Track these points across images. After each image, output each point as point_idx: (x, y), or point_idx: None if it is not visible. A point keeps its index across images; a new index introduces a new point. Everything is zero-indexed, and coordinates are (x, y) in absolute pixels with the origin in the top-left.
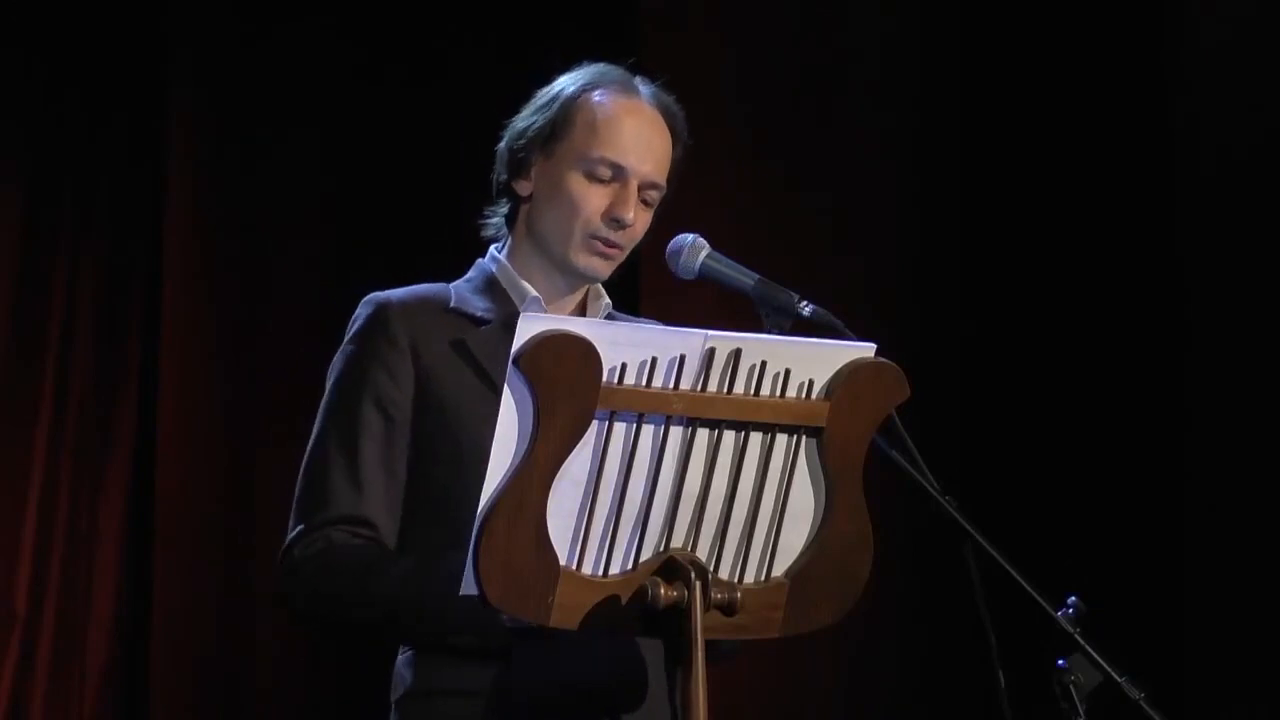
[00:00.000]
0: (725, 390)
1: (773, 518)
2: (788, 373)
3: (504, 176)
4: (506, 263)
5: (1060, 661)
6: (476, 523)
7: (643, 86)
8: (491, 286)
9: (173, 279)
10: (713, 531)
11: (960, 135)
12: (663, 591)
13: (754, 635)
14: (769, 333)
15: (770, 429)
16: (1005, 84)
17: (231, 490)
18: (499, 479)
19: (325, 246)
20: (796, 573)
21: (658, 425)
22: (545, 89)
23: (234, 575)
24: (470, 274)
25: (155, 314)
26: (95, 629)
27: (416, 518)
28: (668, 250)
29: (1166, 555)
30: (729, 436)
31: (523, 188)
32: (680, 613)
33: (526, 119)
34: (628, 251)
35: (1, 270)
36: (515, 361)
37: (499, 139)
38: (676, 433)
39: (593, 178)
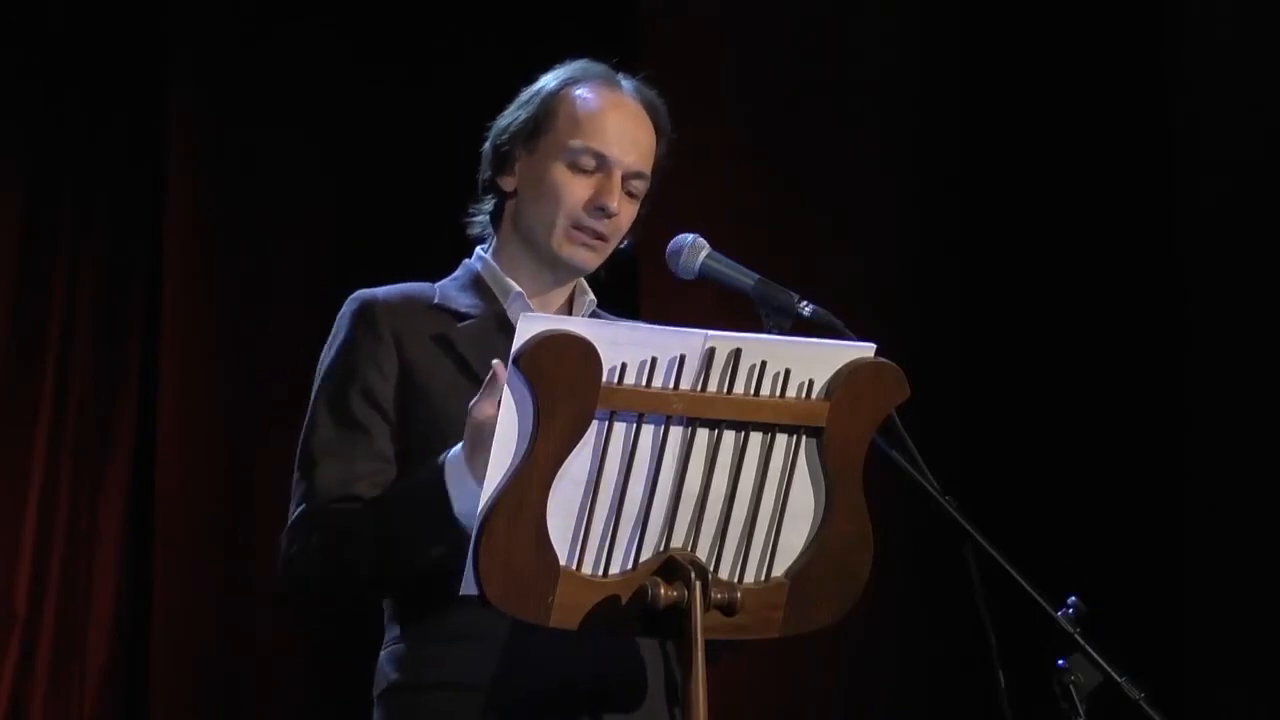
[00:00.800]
0: (725, 390)
1: (773, 518)
2: (788, 373)
3: (488, 174)
4: (492, 260)
5: (1060, 661)
6: (476, 522)
7: (624, 81)
8: (476, 284)
9: (173, 279)
10: (713, 531)
11: (960, 135)
12: (663, 591)
13: (754, 635)
14: (769, 333)
15: (770, 429)
16: (1005, 84)
17: (231, 490)
18: (499, 479)
19: (325, 246)
20: (796, 573)
21: (658, 425)
22: (528, 87)
23: (234, 575)
24: (456, 273)
25: (155, 314)
26: (95, 629)
27: None
28: (668, 250)
29: (1166, 555)
30: (729, 436)
31: (507, 183)
32: (680, 613)
33: (509, 116)
34: (613, 244)
35: (1, 270)
36: (515, 361)
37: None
38: (676, 433)
39: (576, 168)
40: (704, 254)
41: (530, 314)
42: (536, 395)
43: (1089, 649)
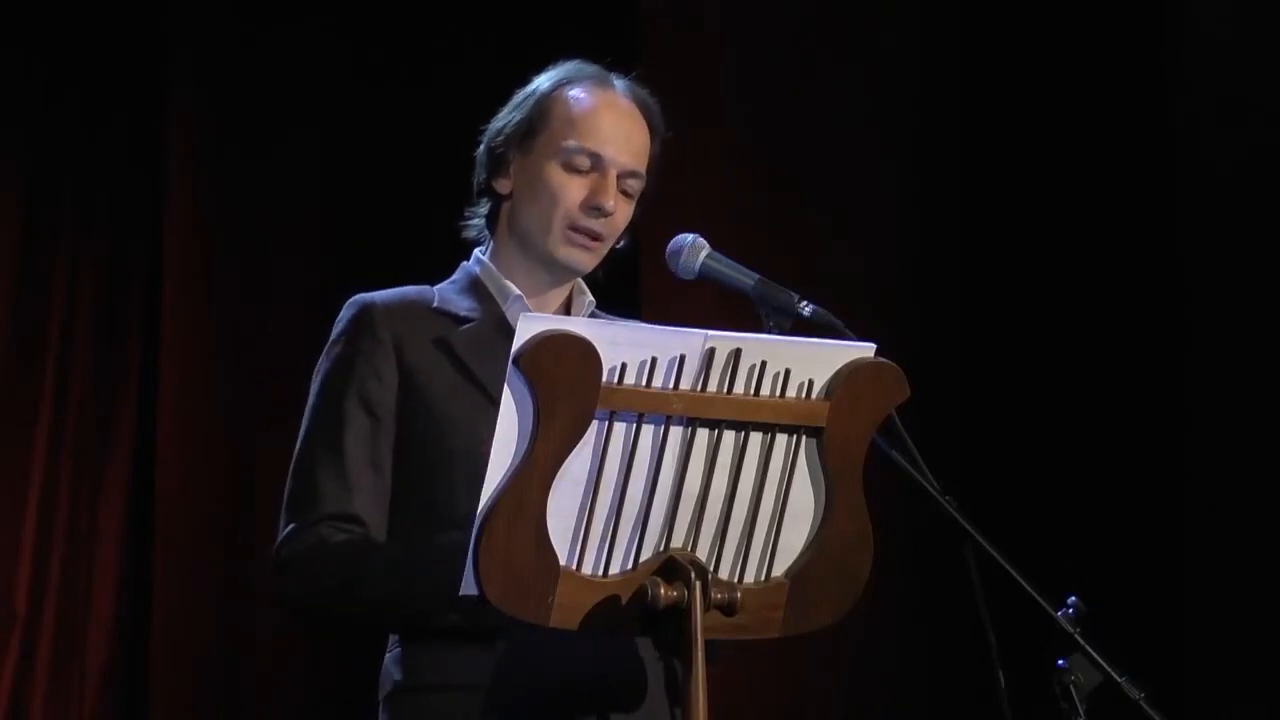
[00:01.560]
0: (725, 390)
1: (773, 518)
2: (788, 373)
3: (484, 177)
4: (490, 263)
5: (1060, 661)
6: (476, 522)
7: (617, 80)
8: (475, 287)
9: (173, 279)
10: (713, 531)
11: (960, 135)
12: (663, 591)
13: (754, 635)
14: (769, 333)
15: (770, 429)
16: (1005, 84)
17: (231, 490)
18: (499, 479)
19: (325, 246)
20: (796, 573)
21: (658, 425)
22: (522, 89)
23: (234, 575)
24: (455, 276)
25: (155, 314)
26: (95, 629)
27: (403, 513)
28: (668, 250)
29: (1166, 555)
30: (729, 436)
31: (503, 186)
32: (680, 613)
33: (503, 118)
34: (609, 244)
35: (1, 270)
36: (515, 361)
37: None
38: (676, 433)
39: (571, 168)
40: (704, 254)
41: (530, 314)
42: (536, 395)
43: (1089, 649)
